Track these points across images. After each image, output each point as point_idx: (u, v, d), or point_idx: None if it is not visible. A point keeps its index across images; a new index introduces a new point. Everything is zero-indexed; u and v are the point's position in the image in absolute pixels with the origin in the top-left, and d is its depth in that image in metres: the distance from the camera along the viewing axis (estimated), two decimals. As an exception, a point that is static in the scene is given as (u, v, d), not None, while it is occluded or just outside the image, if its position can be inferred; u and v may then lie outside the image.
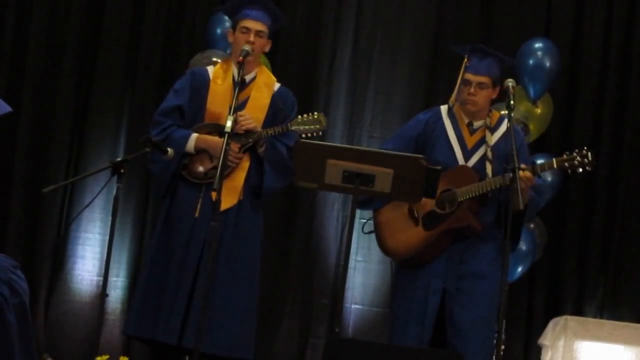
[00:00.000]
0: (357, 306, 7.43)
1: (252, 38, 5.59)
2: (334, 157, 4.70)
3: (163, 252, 5.58)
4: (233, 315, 5.48)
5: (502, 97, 5.51)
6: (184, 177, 5.60)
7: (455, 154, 5.49)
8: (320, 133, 5.57)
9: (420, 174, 4.74)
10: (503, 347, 5.62)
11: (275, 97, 5.72)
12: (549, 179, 6.95)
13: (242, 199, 5.57)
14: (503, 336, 5.12)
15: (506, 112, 5.28)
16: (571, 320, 6.58)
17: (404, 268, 5.54)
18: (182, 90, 5.73)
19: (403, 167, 4.71)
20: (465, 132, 5.53)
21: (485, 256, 5.40)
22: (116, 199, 5.02)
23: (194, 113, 5.67)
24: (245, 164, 5.59)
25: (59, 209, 7.44)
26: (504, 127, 5.48)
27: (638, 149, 7.43)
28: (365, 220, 5.77)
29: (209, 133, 5.59)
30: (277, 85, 5.78)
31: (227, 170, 5.37)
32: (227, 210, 5.49)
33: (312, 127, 5.48)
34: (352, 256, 7.29)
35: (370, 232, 5.68)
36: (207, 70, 5.80)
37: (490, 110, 5.60)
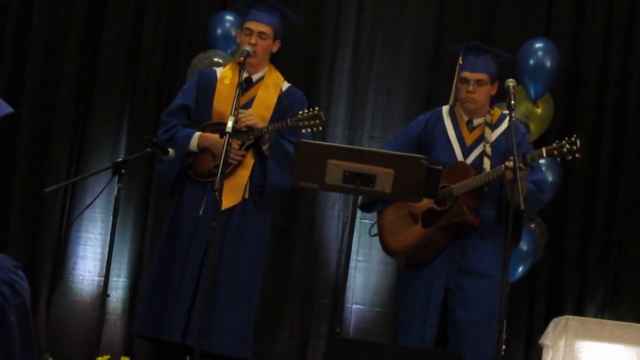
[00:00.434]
0: (358, 306, 7.43)
1: (253, 40, 5.61)
2: (334, 157, 4.70)
3: (169, 251, 5.60)
4: (232, 314, 5.49)
5: (503, 97, 5.51)
6: (189, 176, 5.61)
7: (454, 151, 5.50)
8: (321, 128, 5.57)
9: (421, 174, 4.74)
10: (504, 347, 5.63)
11: (282, 97, 5.72)
12: (550, 178, 6.95)
13: (246, 198, 5.58)
14: (504, 336, 5.12)
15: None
16: (572, 320, 6.58)
17: (408, 269, 5.55)
18: (189, 90, 5.77)
19: (404, 167, 4.71)
20: (464, 130, 5.54)
21: (486, 254, 5.40)
22: (117, 199, 5.03)
23: (201, 113, 5.69)
24: (249, 162, 5.59)
25: (60, 209, 7.45)
26: (505, 124, 5.50)
27: (639, 149, 7.43)
28: (371, 223, 5.78)
29: (213, 131, 5.60)
30: (285, 85, 5.79)
31: (229, 169, 5.38)
32: (231, 209, 5.50)
33: (312, 122, 5.49)
34: (353, 256, 7.29)
35: (375, 235, 5.70)
36: (215, 71, 5.83)
37: (491, 108, 5.60)
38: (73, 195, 7.49)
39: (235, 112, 5.21)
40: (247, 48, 5.55)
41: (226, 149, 5.05)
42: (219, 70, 5.82)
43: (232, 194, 5.45)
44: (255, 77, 5.70)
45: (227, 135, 5.08)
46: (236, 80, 5.51)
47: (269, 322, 7.29)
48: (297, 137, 5.50)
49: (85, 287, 7.40)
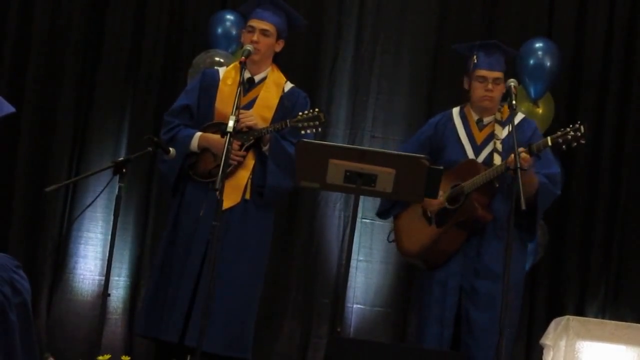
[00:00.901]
0: (358, 306, 7.43)
1: (255, 37, 5.60)
2: (335, 157, 4.70)
3: (170, 251, 5.60)
4: (232, 314, 5.49)
5: (504, 96, 5.51)
6: (190, 177, 5.61)
7: (465, 150, 5.51)
8: (320, 129, 5.57)
9: (422, 174, 4.74)
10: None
11: (284, 98, 5.72)
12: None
13: (247, 199, 5.58)
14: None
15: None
16: (573, 320, 6.57)
17: (426, 270, 5.55)
18: (192, 90, 5.77)
19: (405, 167, 4.71)
20: (474, 129, 5.55)
21: (501, 253, 5.33)
22: (118, 198, 5.03)
23: (203, 113, 5.69)
24: (250, 162, 5.59)
25: (61, 209, 7.45)
26: (515, 120, 5.50)
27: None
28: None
29: (214, 132, 5.60)
30: (288, 86, 5.78)
31: (229, 169, 5.38)
32: (231, 209, 5.50)
33: (311, 123, 5.48)
34: (354, 256, 7.29)
35: (393, 241, 5.72)
36: (217, 71, 5.83)
37: (501, 105, 5.61)
38: (74, 194, 7.49)
39: (236, 112, 5.21)
40: (249, 47, 5.55)
41: (227, 148, 5.05)
42: (222, 71, 5.82)
43: (232, 194, 5.45)
44: (257, 78, 5.70)
45: (228, 135, 5.08)
46: (238, 80, 5.50)
47: (270, 321, 7.29)
48: (298, 139, 5.50)
49: (86, 287, 7.40)
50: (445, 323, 5.36)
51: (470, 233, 5.41)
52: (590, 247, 7.38)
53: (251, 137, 5.55)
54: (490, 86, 5.47)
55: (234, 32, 7.20)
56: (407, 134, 7.50)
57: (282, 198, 5.93)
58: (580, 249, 7.41)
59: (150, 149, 5.28)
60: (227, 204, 5.36)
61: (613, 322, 6.74)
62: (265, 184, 5.58)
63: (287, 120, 5.51)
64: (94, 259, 7.41)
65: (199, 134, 5.61)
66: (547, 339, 6.51)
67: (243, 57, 5.48)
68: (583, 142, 5.18)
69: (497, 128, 5.49)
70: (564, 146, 5.21)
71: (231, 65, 5.90)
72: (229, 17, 7.31)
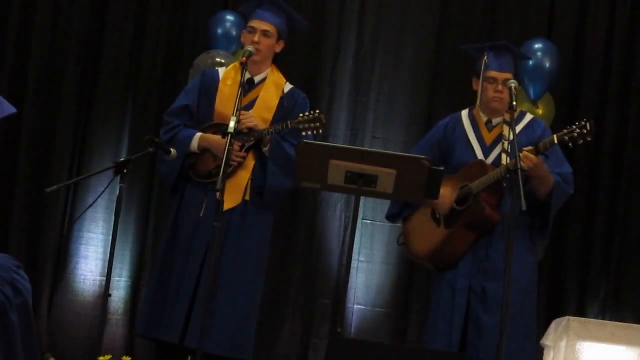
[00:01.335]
0: (359, 306, 7.43)
1: (256, 38, 5.59)
2: (336, 157, 4.70)
3: (171, 252, 5.59)
4: (233, 315, 5.48)
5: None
6: (190, 177, 5.61)
7: (474, 152, 5.50)
8: (321, 131, 5.57)
9: (423, 174, 4.73)
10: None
11: (283, 98, 5.72)
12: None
13: (247, 199, 5.58)
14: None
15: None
16: (573, 321, 6.58)
17: (435, 271, 5.55)
18: (192, 90, 5.76)
19: (405, 168, 4.71)
20: (483, 130, 5.55)
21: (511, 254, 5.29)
22: (119, 199, 5.03)
23: (203, 113, 5.68)
24: (250, 163, 5.59)
25: (62, 209, 7.46)
26: (525, 120, 5.53)
27: (640, 150, 7.45)
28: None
29: (214, 132, 5.60)
30: (288, 87, 5.77)
31: (229, 169, 5.38)
32: (232, 210, 5.49)
33: (312, 124, 5.48)
34: (355, 256, 7.30)
35: (402, 244, 5.72)
36: (217, 71, 5.81)
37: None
38: (75, 194, 7.50)
39: (237, 112, 5.21)
40: (249, 48, 5.54)
41: (228, 149, 5.05)
42: (222, 71, 5.81)
43: (232, 195, 5.45)
44: (257, 78, 5.69)
45: (229, 135, 5.08)
46: (238, 80, 5.50)
47: (271, 322, 7.29)
48: (298, 140, 5.50)
49: (86, 287, 7.41)
50: (454, 324, 5.34)
51: (479, 233, 5.40)
52: (590, 247, 7.39)
53: (252, 138, 5.54)
54: (500, 87, 5.46)
55: (234, 32, 7.21)
56: (407, 134, 7.52)
57: (281, 199, 5.93)
58: (581, 249, 7.41)
59: (151, 149, 5.27)
60: (227, 204, 5.36)
61: (613, 322, 6.75)
62: (266, 184, 5.58)
63: (288, 122, 5.50)
64: (94, 259, 7.42)
65: (199, 134, 5.61)
66: (548, 340, 6.52)
67: (244, 58, 5.47)
68: (589, 139, 5.17)
69: (506, 129, 5.48)
70: (570, 143, 5.20)
71: (230, 66, 5.89)
72: (229, 17, 7.32)
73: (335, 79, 7.61)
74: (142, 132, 7.11)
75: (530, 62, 7.03)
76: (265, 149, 5.58)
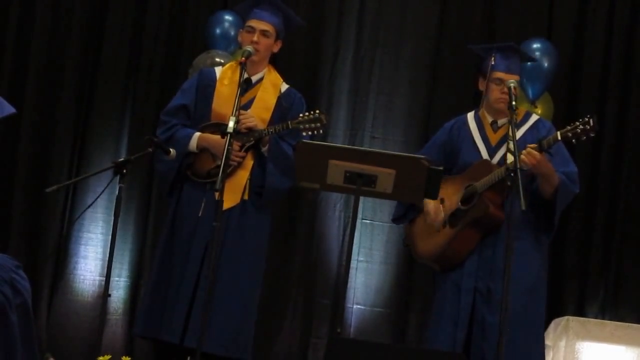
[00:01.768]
0: (358, 306, 7.43)
1: (255, 37, 5.58)
2: (335, 157, 4.70)
3: (169, 252, 5.59)
4: (231, 315, 5.48)
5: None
6: (188, 177, 5.61)
7: (480, 152, 5.51)
8: (321, 131, 5.57)
9: (422, 174, 4.73)
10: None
11: (281, 98, 5.72)
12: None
13: (246, 199, 5.58)
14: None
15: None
16: (573, 321, 6.59)
17: (442, 272, 5.55)
18: (189, 89, 5.74)
19: (405, 168, 4.71)
20: (489, 131, 5.55)
21: (515, 255, 5.23)
22: (118, 199, 5.03)
23: (200, 113, 5.67)
24: (249, 163, 5.59)
25: (61, 209, 7.46)
26: (530, 121, 5.54)
27: (639, 150, 7.43)
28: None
29: (213, 132, 5.59)
30: (284, 87, 5.77)
31: (229, 169, 5.37)
32: (230, 210, 5.48)
33: (312, 125, 5.48)
34: (354, 256, 7.30)
35: (408, 245, 5.71)
36: (214, 71, 5.80)
37: (516, 107, 5.61)
38: (74, 195, 7.50)
39: (237, 112, 5.20)
40: (249, 48, 5.54)
41: (227, 149, 5.05)
42: (219, 70, 5.81)
43: (231, 194, 5.44)
44: (254, 78, 5.68)
45: (229, 135, 5.07)
46: (236, 80, 5.50)
47: (270, 322, 7.29)
48: (296, 140, 5.50)
49: (86, 287, 7.41)
50: (460, 324, 5.33)
51: (485, 233, 5.40)
52: (590, 247, 7.39)
53: (251, 139, 5.54)
54: (506, 89, 5.47)
55: (232, 32, 7.21)
56: (406, 134, 7.52)
57: (279, 199, 5.94)
58: (580, 249, 7.41)
59: (150, 149, 5.27)
60: (226, 204, 5.34)
61: (613, 322, 6.76)
62: (265, 185, 5.58)
63: (289, 122, 5.50)
64: (94, 259, 7.42)
65: (198, 134, 5.60)
66: (547, 340, 6.52)
67: (243, 58, 5.47)
68: (593, 135, 5.17)
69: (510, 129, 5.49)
70: (573, 140, 5.19)
71: (227, 65, 5.87)
72: (228, 17, 7.32)
73: (335, 79, 7.61)
74: (141, 133, 7.11)
75: (529, 62, 7.03)
76: (264, 149, 5.58)
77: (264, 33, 5.60)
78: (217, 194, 5.04)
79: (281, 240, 7.38)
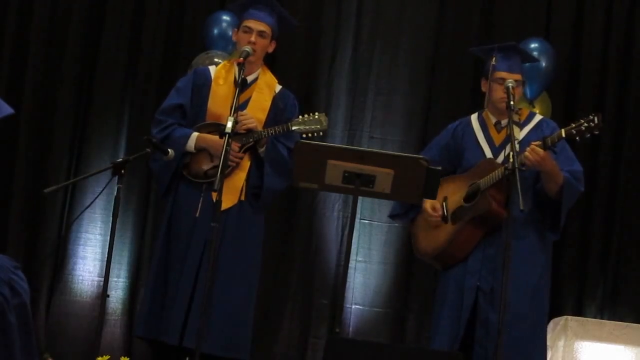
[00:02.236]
0: (357, 306, 7.43)
1: (253, 38, 5.58)
2: (334, 157, 4.70)
3: (167, 252, 5.59)
4: (229, 315, 5.48)
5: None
6: (184, 177, 5.60)
7: (484, 153, 5.51)
8: (321, 133, 5.57)
9: (421, 174, 4.73)
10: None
11: (276, 99, 5.72)
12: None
13: (242, 200, 5.58)
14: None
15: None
16: (571, 321, 6.59)
17: (444, 270, 5.55)
18: (184, 89, 5.72)
19: (403, 168, 4.71)
20: (492, 131, 5.56)
21: (519, 254, 5.23)
22: (117, 199, 5.03)
23: (195, 113, 5.66)
24: (246, 164, 5.59)
25: (59, 210, 7.45)
26: (534, 121, 5.56)
27: (638, 150, 7.43)
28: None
29: (210, 132, 5.59)
30: (278, 87, 5.77)
31: (227, 170, 5.37)
32: (227, 210, 5.48)
33: (312, 127, 5.48)
34: (353, 256, 7.30)
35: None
36: (209, 70, 5.79)
37: (519, 108, 5.62)
38: (73, 195, 7.49)
39: (235, 113, 5.20)
40: (247, 48, 5.53)
41: (226, 149, 5.05)
42: (213, 70, 5.80)
43: (229, 195, 5.43)
44: (249, 78, 5.67)
45: (227, 136, 5.07)
46: (230, 81, 5.50)
47: (269, 322, 7.30)
48: (291, 141, 5.51)
49: (85, 288, 7.41)
50: (461, 322, 5.33)
51: (487, 231, 5.40)
52: (588, 247, 7.39)
53: (251, 139, 5.54)
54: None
55: (230, 32, 7.20)
56: (405, 135, 7.52)
57: (275, 199, 5.94)
58: (579, 249, 7.41)
59: (149, 150, 5.27)
60: (224, 205, 5.34)
61: (611, 322, 6.76)
62: (263, 186, 5.58)
63: (289, 124, 5.51)
64: (93, 260, 7.41)
65: (196, 134, 5.59)
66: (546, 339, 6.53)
67: (241, 59, 5.46)
68: (597, 132, 5.17)
69: (515, 129, 5.49)
70: (577, 137, 5.20)
71: (220, 65, 5.85)
72: (225, 17, 7.31)
73: (333, 79, 7.61)
74: (140, 133, 7.10)
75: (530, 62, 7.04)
76: (261, 150, 5.58)
77: (261, 34, 5.60)
78: (215, 195, 5.04)
79: (280, 241, 7.38)
